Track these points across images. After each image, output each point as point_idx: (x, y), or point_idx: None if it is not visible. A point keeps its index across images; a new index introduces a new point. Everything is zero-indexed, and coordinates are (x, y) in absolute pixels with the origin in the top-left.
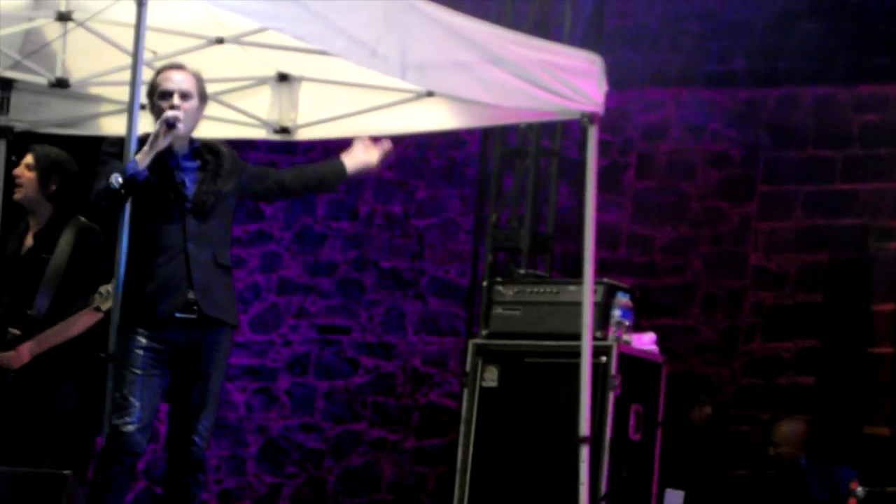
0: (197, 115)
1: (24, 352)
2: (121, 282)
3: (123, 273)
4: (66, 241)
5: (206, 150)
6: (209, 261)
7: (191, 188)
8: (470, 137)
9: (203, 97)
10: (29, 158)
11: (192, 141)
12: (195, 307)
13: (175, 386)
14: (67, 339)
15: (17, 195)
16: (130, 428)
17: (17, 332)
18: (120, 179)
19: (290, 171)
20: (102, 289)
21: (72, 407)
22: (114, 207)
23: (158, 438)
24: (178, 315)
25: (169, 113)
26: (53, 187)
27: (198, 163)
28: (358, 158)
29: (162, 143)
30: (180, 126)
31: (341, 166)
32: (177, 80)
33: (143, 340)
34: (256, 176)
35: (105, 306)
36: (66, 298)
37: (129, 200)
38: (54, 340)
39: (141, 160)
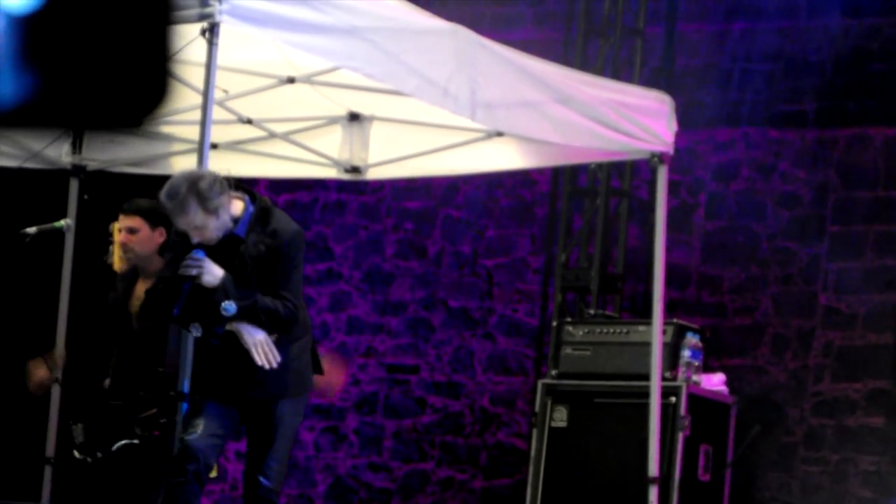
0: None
1: None
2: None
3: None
4: None
5: (255, 229)
6: None
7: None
8: (539, 177)
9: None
10: (129, 222)
11: (248, 214)
12: (243, 389)
13: (246, 423)
14: None
15: (123, 264)
16: (192, 437)
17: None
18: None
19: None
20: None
21: None
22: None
23: (226, 478)
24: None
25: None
26: (161, 239)
27: (230, 252)
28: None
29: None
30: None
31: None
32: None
33: None
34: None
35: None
36: None
37: None
38: None
39: None
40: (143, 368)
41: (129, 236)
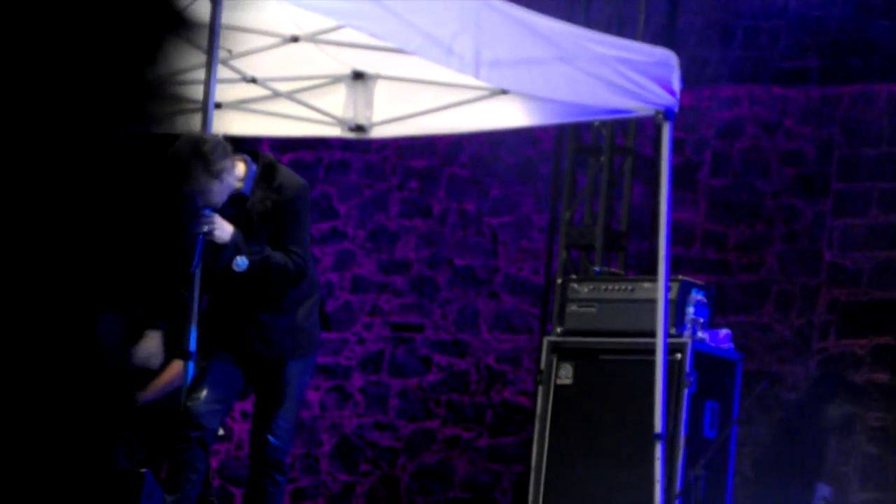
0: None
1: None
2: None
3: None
4: None
5: (261, 186)
6: (267, 300)
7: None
8: (543, 135)
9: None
10: None
11: (253, 172)
12: (253, 347)
13: (254, 383)
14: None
15: None
16: (195, 402)
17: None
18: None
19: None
20: None
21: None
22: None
23: (232, 437)
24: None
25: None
26: None
27: (236, 210)
28: None
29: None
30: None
31: None
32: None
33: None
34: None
35: None
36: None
37: None
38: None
39: None
40: None
41: None
